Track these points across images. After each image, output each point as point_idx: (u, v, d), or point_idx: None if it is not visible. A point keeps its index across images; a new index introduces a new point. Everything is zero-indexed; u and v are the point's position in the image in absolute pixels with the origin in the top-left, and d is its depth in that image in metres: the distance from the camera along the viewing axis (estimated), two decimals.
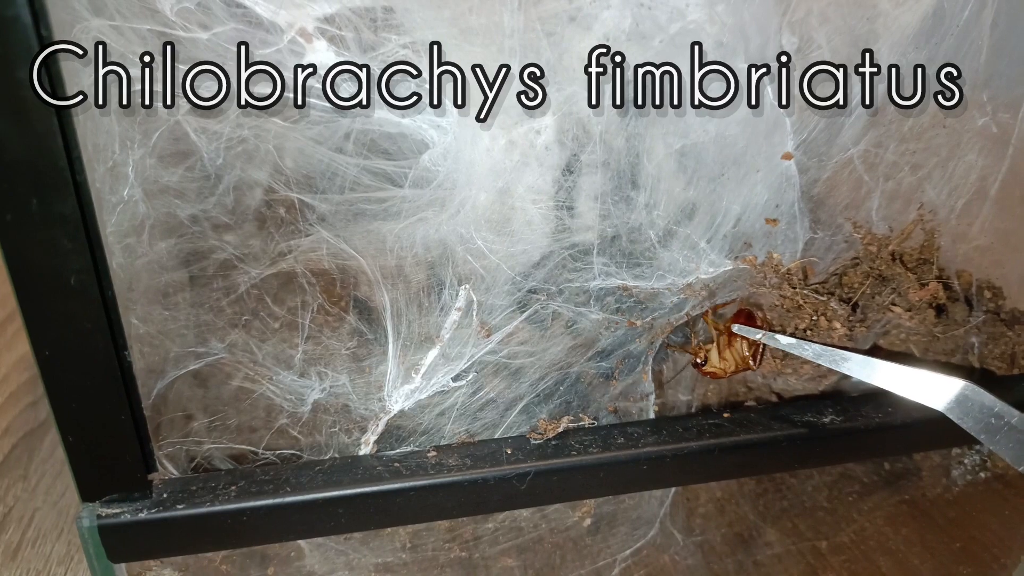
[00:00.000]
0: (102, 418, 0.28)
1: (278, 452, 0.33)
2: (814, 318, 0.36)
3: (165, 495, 0.30)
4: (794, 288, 0.37)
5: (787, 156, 0.35)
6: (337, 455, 0.33)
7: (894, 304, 0.38)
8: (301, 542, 0.33)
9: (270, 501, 0.30)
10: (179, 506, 0.30)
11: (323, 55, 0.32)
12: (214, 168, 0.30)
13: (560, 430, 0.34)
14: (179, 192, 0.29)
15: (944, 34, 0.35)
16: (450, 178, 0.34)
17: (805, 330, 0.37)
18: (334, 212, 0.33)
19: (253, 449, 0.32)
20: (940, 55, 0.35)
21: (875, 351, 0.39)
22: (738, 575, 0.44)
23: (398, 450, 0.33)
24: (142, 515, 0.29)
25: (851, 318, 0.37)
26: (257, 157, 0.32)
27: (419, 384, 0.34)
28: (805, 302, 0.37)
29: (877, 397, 0.37)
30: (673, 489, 0.40)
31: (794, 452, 0.35)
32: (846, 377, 0.37)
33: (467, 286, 0.35)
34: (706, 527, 0.43)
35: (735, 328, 0.36)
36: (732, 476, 0.38)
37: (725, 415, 0.36)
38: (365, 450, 0.33)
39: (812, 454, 0.36)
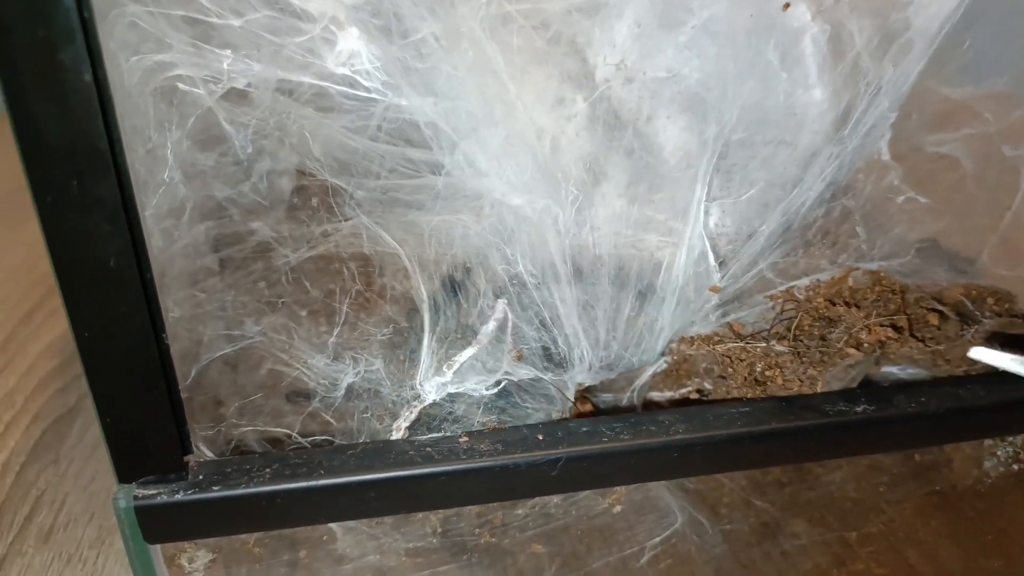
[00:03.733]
0: (140, 400, 0.28)
1: (310, 437, 0.33)
2: (758, 368, 0.36)
3: (201, 477, 0.30)
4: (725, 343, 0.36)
5: (714, 289, 0.36)
6: (368, 440, 0.33)
7: (848, 344, 0.36)
8: (333, 526, 0.33)
9: (304, 484, 0.30)
10: (215, 488, 0.30)
11: (355, 42, 0.32)
12: (245, 155, 0.30)
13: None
14: (216, 175, 0.29)
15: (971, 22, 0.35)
16: (477, 164, 0.34)
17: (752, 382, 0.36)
18: (369, 199, 0.33)
19: (287, 432, 0.32)
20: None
21: None
22: (765, 565, 0.43)
23: (430, 435, 0.33)
24: (178, 496, 0.30)
25: (804, 359, 0.36)
26: (289, 144, 0.33)
27: (449, 379, 0.34)
28: (744, 354, 0.36)
29: (910, 387, 0.37)
30: (701, 477, 0.40)
31: (826, 442, 0.35)
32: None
33: (504, 301, 0.35)
34: (732, 516, 0.43)
35: (975, 353, 0.35)
36: (763, 465, 0.37)
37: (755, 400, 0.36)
38: (396, 436, 0.33)
39: (844, 444, 0.36)
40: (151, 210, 0.28)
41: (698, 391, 0.39)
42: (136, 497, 0.30)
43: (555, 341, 0.37)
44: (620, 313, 0.37)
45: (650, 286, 0.37)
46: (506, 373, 0.35)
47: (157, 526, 0.30)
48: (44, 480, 0.51)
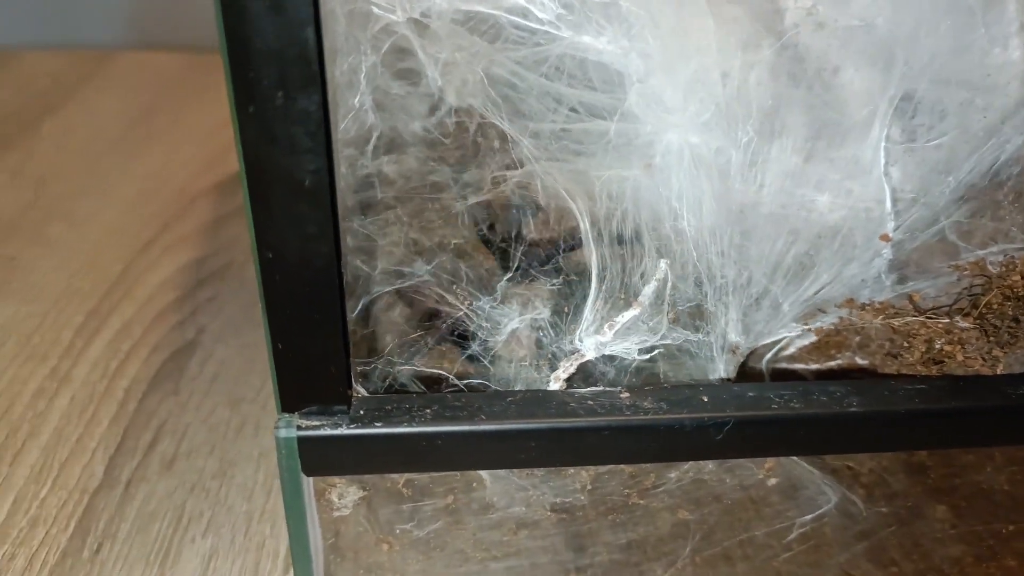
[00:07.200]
0: (316, 329, 0.27)
1: (465, 380, 0.32)
2: (937, 345, 0.33)
3: (362, 412, 0.29)
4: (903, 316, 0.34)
5: (884, 237, 0.33)
6: (527, 389, 0.32)
7: None
8: (484, 474, 0.32)
9: (464, 427, 0.29)
10: (377, 424, 0.29)
11: None
12: (436, 88, 0.29)
13: None
14: (403, 108, 0.28)
15: None
16: (655, 111, 0.33)
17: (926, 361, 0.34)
18: (541, 146, 0.32)
19: (443, 374, 0.31)
20: None
21: None
22: (903, 553, 0.41)
23: (589, 388, 0.32)
24: (341, 430, 0.29)
25: (991, 338, 0.33)
26: (470, 82, 0.31)
27: (610, 338, 0.33)
28: (922, 328, 0.34)
29: None
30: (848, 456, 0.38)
31: (1007, 426, 0.33)
32: None
33: (666, 261, 0.33)
34: (872, 498, 0.41)
35: None
36: (937, 447, 0.35)
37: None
38: (554, 387, 0.32)
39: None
40: (340, 134, 0.27)
41: (861, 368, 0.37)
42: (299, 427, 0.29)
43: (707, 296, 0.35)
44: (781, 263, 0.35)
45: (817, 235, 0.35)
46: (662, 337, 0.34)
47: (316, 458, 0.30)
48: (165, 410, 0.51)
